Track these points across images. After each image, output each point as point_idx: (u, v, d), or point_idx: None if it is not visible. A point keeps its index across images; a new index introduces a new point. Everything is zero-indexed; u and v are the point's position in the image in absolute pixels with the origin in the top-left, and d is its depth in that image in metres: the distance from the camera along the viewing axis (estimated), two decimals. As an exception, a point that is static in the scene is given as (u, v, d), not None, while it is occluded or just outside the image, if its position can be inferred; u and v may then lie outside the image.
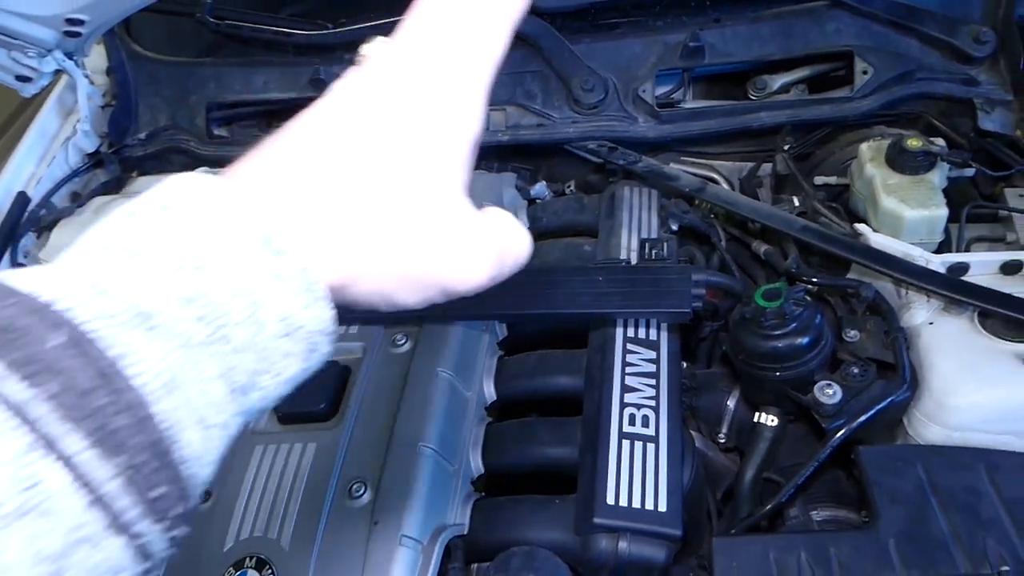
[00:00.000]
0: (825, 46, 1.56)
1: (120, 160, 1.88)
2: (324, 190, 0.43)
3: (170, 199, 0.41)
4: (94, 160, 1.89)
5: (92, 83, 1.92)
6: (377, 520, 1.02)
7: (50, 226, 1.71)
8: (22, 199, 1.70)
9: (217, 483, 1.13)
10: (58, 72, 1.89)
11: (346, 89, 0.47)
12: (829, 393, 1.09)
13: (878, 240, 1.27)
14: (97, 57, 1.92)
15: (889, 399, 1.08)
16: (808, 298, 1.15)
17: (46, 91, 1.93)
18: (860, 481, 1.05)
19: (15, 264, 1.65)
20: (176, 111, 1.87)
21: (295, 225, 0.42)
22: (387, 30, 0.48)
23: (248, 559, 1.02)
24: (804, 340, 1.11)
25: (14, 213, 1.67)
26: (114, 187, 1.83)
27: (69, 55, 1.83)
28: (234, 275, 0.39)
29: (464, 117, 0.48)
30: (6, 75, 1.82)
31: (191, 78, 1.85)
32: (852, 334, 1.19)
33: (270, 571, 1.01)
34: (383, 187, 0.45)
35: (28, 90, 1.86)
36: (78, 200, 1.82)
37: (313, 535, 1.02)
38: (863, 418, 1.07)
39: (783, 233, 1.36)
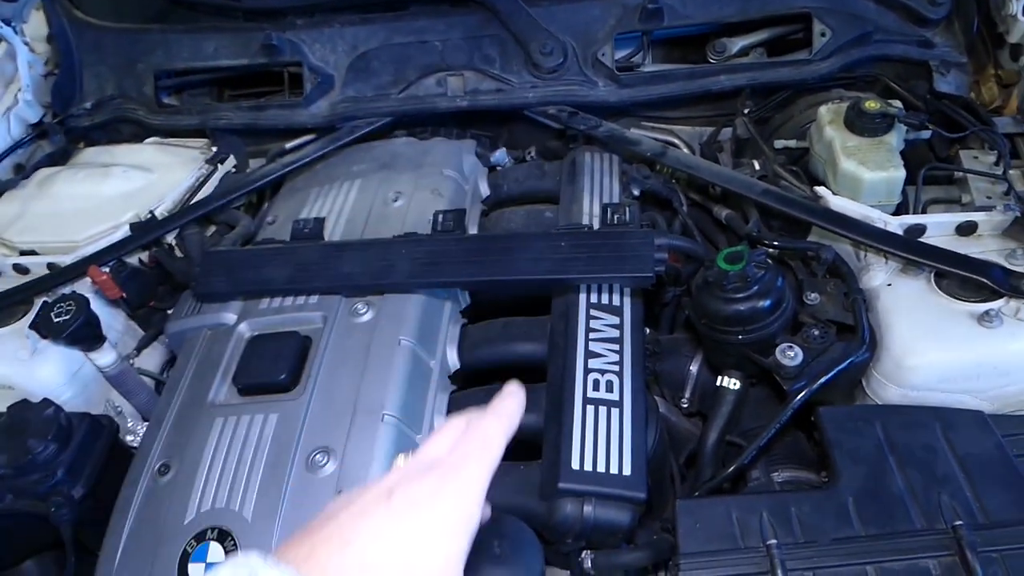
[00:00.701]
0: (783, 8, 1.55)
1: (66, 131, 1.82)
2: None
3: None
4: (38, 131, 1.83)
5: (32, 51, 1.84)
6: (341, 489, 1.01)
7: (-7, 199, 1.65)
8: (-38, 171, 1.63)
9: (176, 456, 1.11)
10: (-5, 39, 1.82)
11: (371, 506, 0.58)
12: (790, 355, 1.10)
13: (837, 203, 1.28)
14: (37, 24, 1.85)
15: (849, 360, 1.09)
16: (769, 261, 1.15)
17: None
18: (820, 442, 1.06)
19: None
20: (123, 80, 1.80)
21: None
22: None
23: (210, 531, 1.01)
24: (766, 303, 1.12)
25: (-46, 185, 1.61)
26: (60, 158, 1.77)
27: (6, 21, 1.75)
28: None
29: (465, 524, 0.60)
30: (-61, 42, 1.74)
31: (138, 45, 1.79)
32: (813, 297, 1.20)
33: (232, 542, 0.99)
34: None
35: (-36, 58, 1.78)
36: (22, 172, 1.75)
37: (276, 506, 1.01)
38: (823, 379, 1.08)
39: (744, 197, 1.36)
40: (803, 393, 1.08)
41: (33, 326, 1.34)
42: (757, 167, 1.43)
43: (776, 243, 1.29)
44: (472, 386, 1.25)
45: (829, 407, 1.09)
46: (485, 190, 1.56)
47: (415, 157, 1.55)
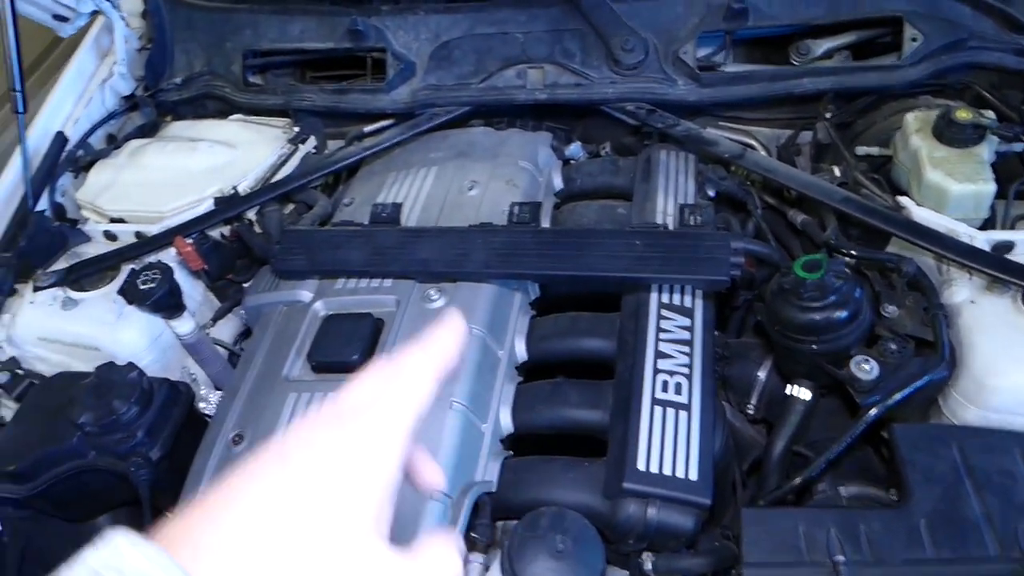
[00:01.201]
0: (874, 11, 1.51)
1: (156, 104, 1.88)
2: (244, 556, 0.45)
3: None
4: (130, 103, 1.89)
5: (128, 26, 1.91)
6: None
7: (87, 166, 1.72)
8: (60, 139, 1.70)
9: (250, 427, 1.15)
10: (95, 13, 1.88)
11: (273, 452, 0.50)
12: (866, 368, 1.08)
13: (921, 214, 1.25)
14: (133, 0, 1.91)
15: (927, 377, 1.07)
16: (848, 271, 1.13)
17: (82, 32, 1.92)
18: (892, 459, 1.04)
19: (53, 203, 1.66)
20: (212, 57, 1.85)
21: None
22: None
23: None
24: (843, 313, 1.10)
25: (52, 152, 1.68)
26: (149, 130, 1.84)
27: (106, -4, 1.82)
28: None
29: (377, 485, 0.51)
30: (43, 14, 1.81)
31: (228, 24, 1.83)
32: (891, 309, 1.17)
33: (301, 517, 1.02)
34: (310, 545, 0.47)
35: (65, 30, 1.86)
36: (114, 142, 1.82)
37: (344, 485, 1.04)
38: (899, 395, 1.06)
39: (822, 203, 1.34)
40: (877, 408, 1.07)
41: (121, 292, 1.40)
42: (837, 173, 1.41)
43: (854, 252, 1.26)
44: (536, 379, 1.26)
45: (904, 424, 1.07)
46: (558, 183, 1.56)
47: (491, 147, 1.56)
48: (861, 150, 1.47)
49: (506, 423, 1.17)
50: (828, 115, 1.49)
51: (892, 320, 1.17)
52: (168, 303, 1.38)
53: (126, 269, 1.47)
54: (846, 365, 1.10)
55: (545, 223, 1.41)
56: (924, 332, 1.15)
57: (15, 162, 1.68)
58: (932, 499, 0.97)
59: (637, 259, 1.19)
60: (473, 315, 1.21)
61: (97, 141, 1.81)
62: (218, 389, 1.46)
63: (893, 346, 1.11)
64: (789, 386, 1.22)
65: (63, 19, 1.84)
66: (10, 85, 1.54)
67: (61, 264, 1.53)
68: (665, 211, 1.37)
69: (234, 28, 1.83)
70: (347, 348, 1.19)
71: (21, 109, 1.55)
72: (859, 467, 1.20)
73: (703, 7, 1.54)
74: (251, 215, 1.57)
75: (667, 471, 1.02)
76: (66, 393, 1.24)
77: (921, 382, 1.07)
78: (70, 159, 1.73)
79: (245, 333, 1.59)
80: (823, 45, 1.57)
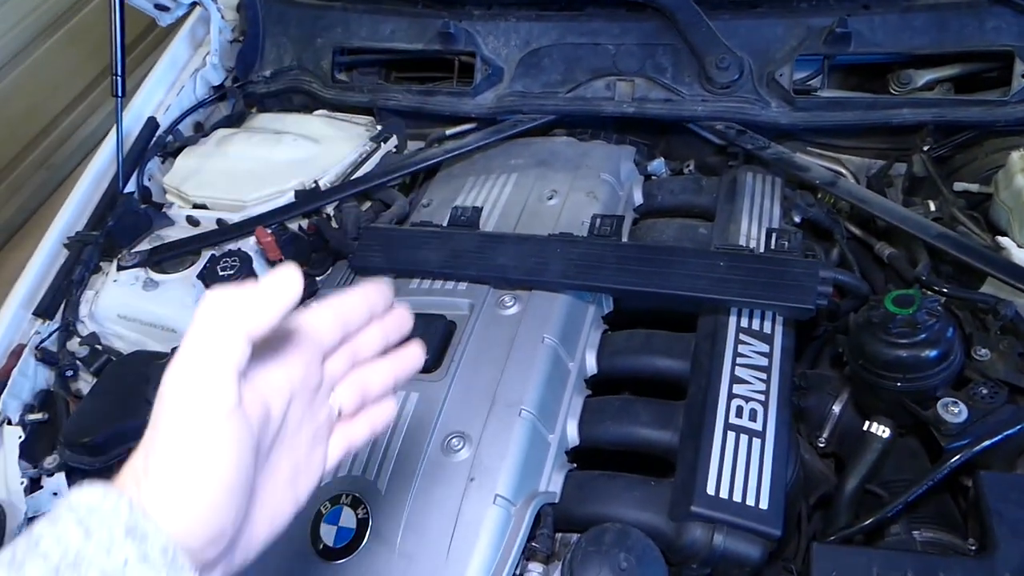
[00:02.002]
0: (982, 44, 1.45)
1: (244, 95, 1.92)
2: (173, 481, 0.53)
3: (59, 513, 0.50)
4: (219, 93, 1.94)
5: (223, 18, 1.96)
6: (473, 477, 1.02)
7: (175, 153, 1.76)
8: (152, 124, 1.75)
9: (318, 420, 1.15)
10: (193, 4, 1.94)
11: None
12: (954, 411, 1.03)
13: (1022, 256, 1.19)
14: (230, -8, 1.96)
15: (1020, 426, 1.02)
16: (941, 309, 1.08)
17: (179, 21, 1.98)
18: (976, 508, 0.99)
19: (141, 186, 1.70)
20: (302, 52, 1.89)
21: (156, 512, 0.51)
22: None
23: (344, 496, 1.04)
24: (933, 353, 1.06)
25: (144, 137, 1.73)
26: (236, 120, 1.88)
27: (206, -12, 1.87)
28: (105, 565, 0.48)
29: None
30: (146, 3, 1.87)
31: (320, 21, 1.87)
32: (983, 352, 1.12)
33: (364, 510, 1.02)
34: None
35: (165, 19, 1.91)
36: (201, 130, 1.87)
37: (409, 482, 1.03)
38: (988, 442, 1.01)
39: (915, 238, 1.29)
40: (963, 453, 1.02)
41: (200, 276, 1.43)
42: (933, 208, 1.36)
43: (946, 290, 1.22)
44: (604, 393, 1.25)
45: (991, 472, 1.02)
46: (639, 198, 1.54)
47: (573, 158, 1.55)
48: (959, 186, 1.42)
49: (572, 435, 1.16)
50: (926, 148, 1.44)
51: (983, 363, 1.12)
52: (246, 290, 1.40)
53: (206, 255, 1.50)
54: (932, 406, 1.06)
55: (624, 238, 1.40)
56: (1018, 379, 1.09)
57: (108, 144, 1.73)
58: (1019, 553, 0.92)
59: (720, 280, 1.16)
60: (547, 324, 1.20)
61: (185, 128, 1.87)
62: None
63: (984, 390, 1.06)
64: (867, 422, 1.18)
65: (164, 8, 1.90)
66: (112, 70, 1.58)
67: (145, 245, 1.57)
68: (749, 234, 1.34)
69: (326, 25, 1.86)
70: (418, 347, 1.19)
71: (120, 93, 1.60)
72: (936, 512, 1.15)
73: (804, 30, 1.50)
74: (329, 210, 1.58)
75: (737, 498, 1.00)
76: (141, 371, 1.27)
77: (1013, 430, 1.02)
78: (159, 144, 1.78)
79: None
80: (925, 76, 1.52)
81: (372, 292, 0.68)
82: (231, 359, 0.54)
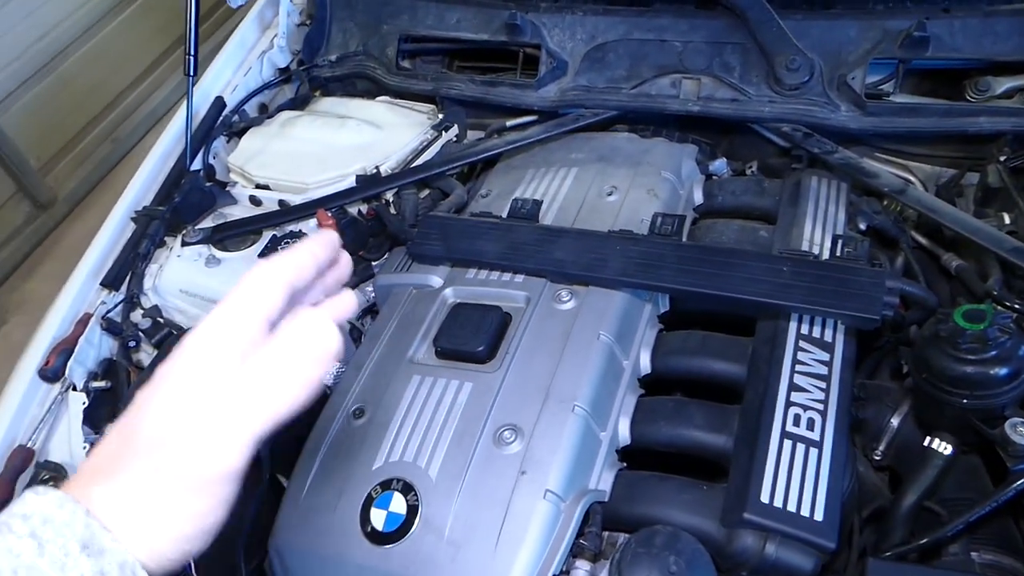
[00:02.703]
0: (1069, 52, 1.41)
1: (309, 79, 1.94)
2: (133, 492, 0.53)
3: (13, 523, 0.50)
4: (285, 75, 1.96)
5: (292, 1, 1.98)
6: (525, 471, 1.03)
7: (240, 133, 1.79)
8: (219, 103, 1.78)
9: (372, 403, 1.17)
10: (265, -13, 1.96)
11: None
12: (1023, 432, 1.00)
13: (1100, 275, 1.15)
14: (300, -24, 1.98)
15: (1091, 450, 0.99)
16: (1014, 326, 1.05)
17: (249, 3, 2.01)
18: (1042, 532, 0.96)
19: (206, 164, 1.74)
20: (368, 38, 1.90)
21: (114, 525, 0.51)
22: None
23: (395, 481, 1.05)
24: (1003, 371, 1.03)
25: (211, 116, 1.76)
26: (300, 103, 1.90)
27: (278, -29, 1.89)
28: None
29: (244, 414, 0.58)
30: (219, -16, 1.89)
31: (387, 7, 1.88)
32: (1054, 373, 1.09)
33: (415, 497, 1.03)
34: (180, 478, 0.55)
35: (236, 1, 1.94)
36: (266, 112, 1.89)
37: (460, 472, 1.04)
38: (1057, 466, 0.98)
39: (985, 251, 1.25)
40: (1030, 476, 0.99)
41: (261, 256, 1.45)
42: (1007, 221, 1.32)
43: (1019, 307, 1.18)
44: (656, 393, 1.24)
45: (1058, 497, 0.99)
46: (699, 197, 1.52)
47: (635, 154, 1.54)
48: (1035, 199, 1.37)
49: (624, 434, 1.15)
50: (1003, 158, 1.39)
51: (1055, 384, 1.08)
52: (305, 272, 1.42)
53: (268, 235, 1.52)
54: (999, 426, 1.03)
55: (683, 238, 1.38)
56: (1091, 401, 1.06)
57: (176, 122, 1.77)
58: (1086, 583, 0.89)
59: (782, 286, 1.14)
60: (603, 321, 1.20)
61: (251, 109, 1.89)
62: (336, 361, 1.49)
63: (1055, 412, 1.03)
64: (928, 438, 1.15)
65: (235, -10, 1.93)
66: (186, 50, 1.61)
67: (208, 223, 1.60)
68: (812, 239, 1.32)
69: (393, 12, 1.87)
70: (474, 338, 1.20)
71: (192, 72, 1.63)
72: (996, 534, 1.12)
73: (879, 32, 1.46)
74: (389, 196, 1.60)
75: (791, 507, 0.98)
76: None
77: (1084, 455, 0.99)
78: (225, 124, 1.81)
79: (367, 310, 1.62)
80: (1004, 83, 1.47)
81: (318, 246, 0.70)
82: (264, 305, 0.60)
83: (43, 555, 0.48)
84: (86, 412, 1.33)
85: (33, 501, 0.50)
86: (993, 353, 1.03)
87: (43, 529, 0.49)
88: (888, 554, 1.06)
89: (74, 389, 1.37)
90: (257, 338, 0.62)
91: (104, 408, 1.38)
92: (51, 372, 1.37)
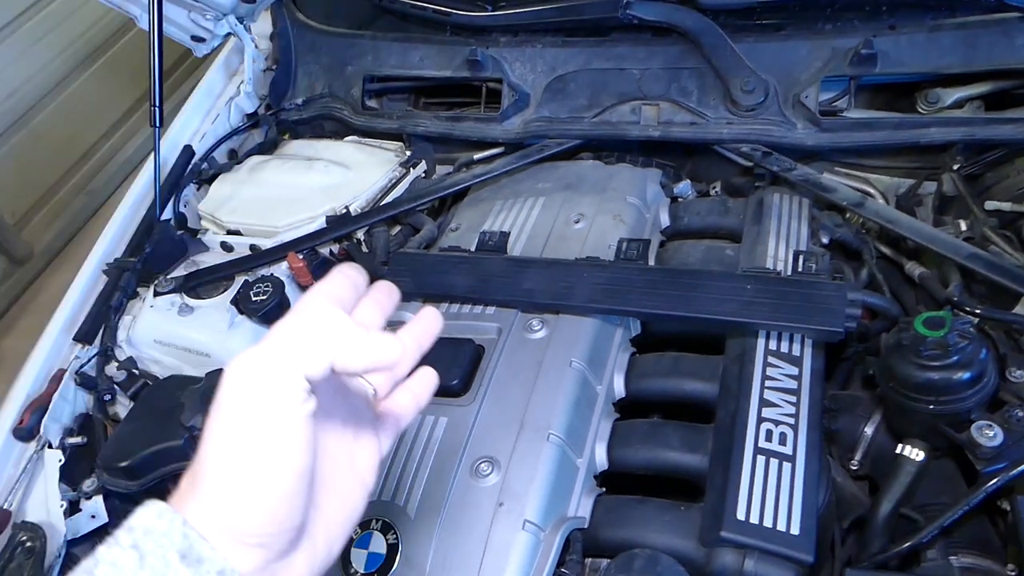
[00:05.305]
0: (1014, 62, 1.44)
1: (276, 122, 1.96)
2: (224, 505, 0.53)
3: (119, 534, 0.51)
4: (252, 121, 1.98)
5: (257, 47, 2.00)
6: (502, 502, 1.03)
7: (210, 180, 1.80)
8: (188, 152, 1.80)
9: (349, 444, 1.17)
10: (228, 35, 1.98)
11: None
12: (989, 435, 1.02)
13: (1056, 276, 1.18)
14: (263, 23, 2.00)
15: (1058, 449, 1.00)
16: (973, 331, 1.07)
17: (214, 51, 2.03)
18: (1015, 532, 0.98)
19: (177, 213, 1.74)
20: (333, 80, 1.92)
21: (211, 535, 0.51)
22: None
23: (375, 521, 1.05)
24: (965, 375, 1.05)
25: (180, 164, 1.77)
26: (268, 147, 1.91)
27: (240, 19, 1.91)
28: None
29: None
30: (183, 34, 1.92)
31: (351, 49, 1.90)
32: (1018, 374, 1.11)
33: (394, 535, 1.03)
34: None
35: (201, 50, 1.96)
36: (235, 158, 1.91)
37: (438, 507, 1.04)
38: (1024, 467, 1.00)
39: (945, 258, 1.28)
40: (999, 477, 1.00)
41: (234, 302, 1.46)
42: (964, 228, 1.35)
43: (979, 311, 1.20)
44: (632, 416, 1.25)
45: (1028, 497, 1.01)
46: (665, 220, 1.55)
47: (600, 181, 1.56)
48: (991, 205, 1.40)
49: (601, 459, 1.16)
50: (956, 166, 1.42)
51: (1019, 385, 1.10)
52: (278, 315, 1.39)
53: (240, 280, 1.53)
54: (966, 429, 1.04)
55: (650, 260, 1.40)
56: (1055, 401, 1.08)
57: (145, 172, 1.78)
58: (1059, 581, 0.90)
59: (747, 303, 1.16)
60: (574, 348, 1.21)
61: (220, 155, 1.90)
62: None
63: (1020, 412, 1.04)
64: (900, 445, 1.16)
65: (200, 40, 1.95)
66: (151, 101, 1.63)
67: (180, 271, 1.60)
68: (776, 256, 1.34)
69: (357, 53, 1.89)
70: (447, 372, 1.20)
71: (158, 123, 1.64)
72: (972, 537, 1.13)
73: (828, 51, 1.50)
74: (360, 234, 1.61)
75: (767, 523, 0.99)
76: (177, 396, 1.29)
77: (1051, 454, 1.00)
78: (195, 171, 1.82)
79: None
80: (953, 94, 1.51)
81: (348, 270, 0.66)
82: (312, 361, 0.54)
83: (144, 567, 0.48)
84: (63, 469, 1.32)
85: (138, 513, 0.51)
86: (955, 359, 1.05)
87: (144, 540, 0.49)
88: (867, 563, 1.07)
89: (50, 447, 1.36)
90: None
91: (82, 463, 1.37)
92: (25, 431, 1.36)
